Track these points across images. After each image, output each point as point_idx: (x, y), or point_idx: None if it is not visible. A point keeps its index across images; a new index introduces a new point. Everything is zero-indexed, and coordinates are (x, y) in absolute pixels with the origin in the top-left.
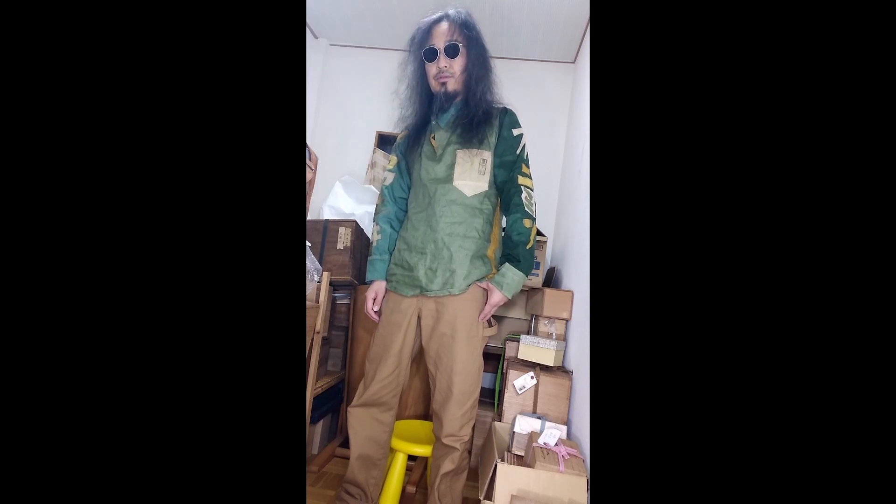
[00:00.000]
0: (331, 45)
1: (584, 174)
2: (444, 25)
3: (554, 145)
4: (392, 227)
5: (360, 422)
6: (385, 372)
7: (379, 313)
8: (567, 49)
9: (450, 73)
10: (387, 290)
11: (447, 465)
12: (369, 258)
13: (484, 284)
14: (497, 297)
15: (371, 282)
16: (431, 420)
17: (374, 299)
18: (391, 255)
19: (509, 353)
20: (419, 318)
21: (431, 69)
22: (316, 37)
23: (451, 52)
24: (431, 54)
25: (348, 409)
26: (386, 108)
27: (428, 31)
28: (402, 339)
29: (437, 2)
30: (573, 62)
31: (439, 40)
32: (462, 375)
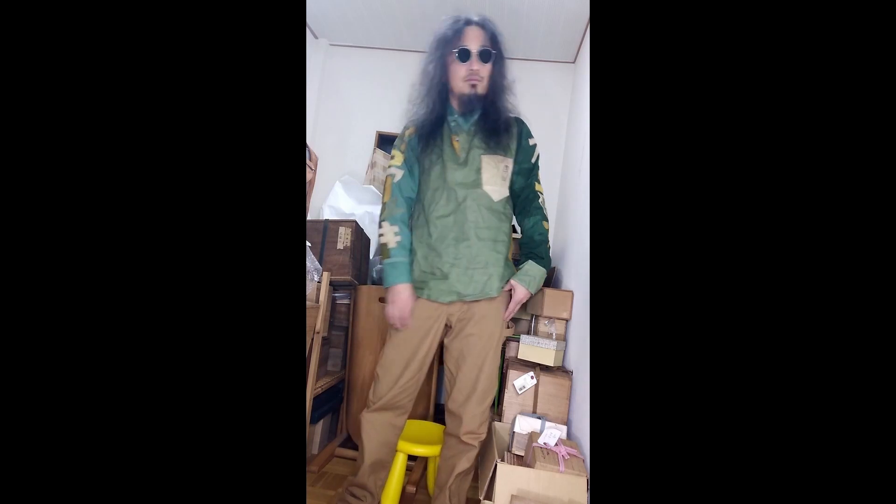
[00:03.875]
0: (331, 45)
1: (584, 174)
2: (478, 30)
3: (554, 145)
4: (407, 227)
5: (375, 427)
6: (408, 376)
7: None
8: (567, 49)
9: (480, 76)
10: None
11: (463, 464)
12: (387, 260)
13: (507, 285)
14: (521, 294)
15: (391, 285)
16: (432, 420)
17: (404, 308)
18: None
19: (509, 353)
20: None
21: (460, 70)
22: (316, 37)
23: (485, 57)
24: (465, 55)
25: (362, 414)
26: (386, 109)
27: (460, 31)
28: (429, 344)
29: (437, 2)
30: (573, 62)
31: (473, 43)
32: (486, 374)
